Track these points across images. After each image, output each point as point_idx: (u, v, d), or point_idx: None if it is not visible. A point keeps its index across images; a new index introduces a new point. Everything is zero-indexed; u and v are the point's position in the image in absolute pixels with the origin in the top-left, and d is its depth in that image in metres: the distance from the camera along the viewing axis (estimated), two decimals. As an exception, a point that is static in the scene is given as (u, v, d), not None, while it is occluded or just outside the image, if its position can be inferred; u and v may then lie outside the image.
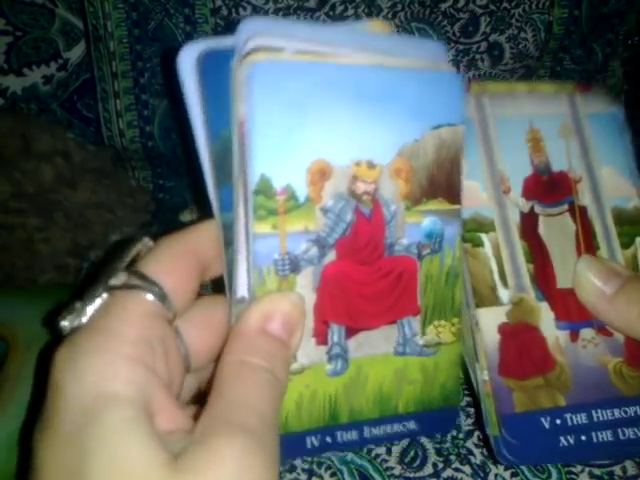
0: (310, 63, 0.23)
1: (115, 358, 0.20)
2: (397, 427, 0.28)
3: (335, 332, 0.26)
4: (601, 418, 0.30)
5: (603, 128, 0.34)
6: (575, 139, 0.33)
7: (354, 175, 0.25)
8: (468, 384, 0.31)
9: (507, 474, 0.36)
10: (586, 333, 0.31)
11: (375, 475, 0.35)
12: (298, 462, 0.36)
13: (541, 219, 0.32)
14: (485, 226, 0.31)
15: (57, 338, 0.21)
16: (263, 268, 0.24)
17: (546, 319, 0.31)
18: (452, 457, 0.37)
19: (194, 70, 0.23)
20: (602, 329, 0.31)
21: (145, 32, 0.59)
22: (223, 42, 0.23)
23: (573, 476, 0.36)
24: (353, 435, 0.27)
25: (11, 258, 0.47)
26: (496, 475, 0.36)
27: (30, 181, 0.49)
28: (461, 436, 0.37)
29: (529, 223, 0.32)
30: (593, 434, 0.30)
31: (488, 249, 0.31)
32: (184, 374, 0.24)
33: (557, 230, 0.32)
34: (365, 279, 0.27)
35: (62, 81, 0.59)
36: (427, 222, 0.28)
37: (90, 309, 0.21)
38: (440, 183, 0.28)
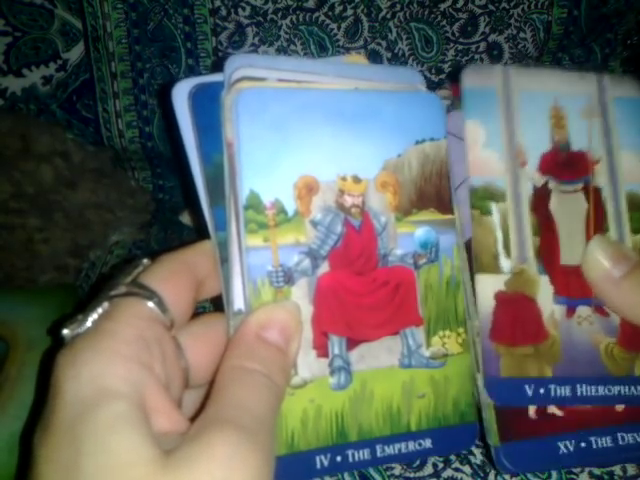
0: (291, 89, 0.26)
1: (110, 355, 0.20)
2: (411, 446, 0.27)
3: (335, 344, 0.26)
4: (585, 393, 0.30)
5: (629, 112, 0.33)
6: (598, 121, 0.33)
7: (341, 189, 0.27)
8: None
9: (507, 474, 0.36)
10: (583, 310, 0.31)
11: (375, 475, 0.35)
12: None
13: (554, 195, 0.32)
14: (496, 196, 0.31)
15: (60, 344, 0.22)
16: (257, 280, 0.25)
17: (544, 292, 0.31)
18: (452, 457, 0.37)
19: (187, 103, 0.25)
20: (599, 308, 0.31)
21: (144, 32, 0.59)
22: (212, 78, 0.26)
23: (573, 476, 0.36)
24: (365, 454, 0.26)
25: (11, 258, 0.48)
26: (496, 475, 0.36)
27: (30, 181, 0.49)
28: (461, 436, 0.38)
29: (541, 197, 0.32)
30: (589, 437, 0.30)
31: (496, 218, 0.31)
32: (183, 382, 0.24)
33: (568, 207, 0.32)
34: (362, 290, 0.27)
35: (61, 81, 0.59)
36: (420, 232, 0.28)
37: (91, 318, 0.22)
38: (429, 195, 0.28)
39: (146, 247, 0.58)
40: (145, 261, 0.25)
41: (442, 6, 0.59)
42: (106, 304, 0.22)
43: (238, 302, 0.25)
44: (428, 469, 0.36)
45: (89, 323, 0.22)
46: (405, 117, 0.28)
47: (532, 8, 0.59)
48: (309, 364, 0.25)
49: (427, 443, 0.27)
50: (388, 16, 0.59)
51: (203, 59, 0.59)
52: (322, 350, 0.26)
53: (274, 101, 0.25)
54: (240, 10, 0.58)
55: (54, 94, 0.59)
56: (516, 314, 0.30)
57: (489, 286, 0.30)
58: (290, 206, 0.25)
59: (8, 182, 0.48)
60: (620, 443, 0.30)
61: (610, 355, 0.31)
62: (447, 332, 0.28)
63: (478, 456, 0.37)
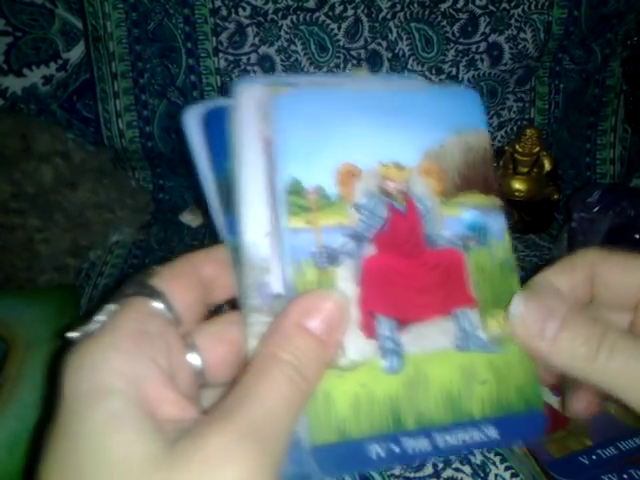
0: (325, 89, 0.27)
1: (108, 350, 0.21)
2: (476, 435, 0.25)
3: (385, 325, 0.25)
4: (626, 447, 0.36)
5: None
6: None
7: (383, 175, 0.26)
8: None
9: (507, 474, 0.36)
10: None
11: (375, 475, 0.35)
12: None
13: None
14: None
15: (69, 345, 0.22)
16: (302, 261, 0.24)
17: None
18: (452, 457, 0.37)
19: (198, 123, 0.27)
20: None
21: (145, 32, 0.59)
22: (220, 102, 0.27)
23: None
24: (424, 444, 0.25)
25: (11, 258, 0.48)
26: (496, 475, 0.36)
27: (30, 181, 0.50)
28: (461, 436, 0.37)
29: None
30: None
31: None
32: (192, 378, 0.24)
33: None
34: (412, 272, 0.26)
35: (62, 81, 0.59)
36: (468, 214, 0.27)
37: (98, 320, 0.22)
38: (475, 180, 0.28)
39: (146, 247, 0.58)
40: (155, 268, 0.25)
41: (442, 6, 0.59)
42: (112, 306, 0.23)
43: (277, 286, 0.24)
44: (428, 469, 0.36)
45: (96, 325, 0.22)
46: (443, 109, 0.28)
47: (532, 9, 0.59)
48: (357, 345, 0.24)
49: (493, 433, 0.25)
50: (388, 16, 0.59)
51: (203, 59, 0.59)
52: (369, 331, 0.24)
53: (310, 99, 0.26)
54: (240, 10, 0.58)
55: (54, 94, 0.59)
56: None
57: None
58: (332, 191, 0.25)
59: (8, 182, 0.48)
60: None
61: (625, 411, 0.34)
62: (504, 315, 0.26)
63: (478, 456, 0.37)
